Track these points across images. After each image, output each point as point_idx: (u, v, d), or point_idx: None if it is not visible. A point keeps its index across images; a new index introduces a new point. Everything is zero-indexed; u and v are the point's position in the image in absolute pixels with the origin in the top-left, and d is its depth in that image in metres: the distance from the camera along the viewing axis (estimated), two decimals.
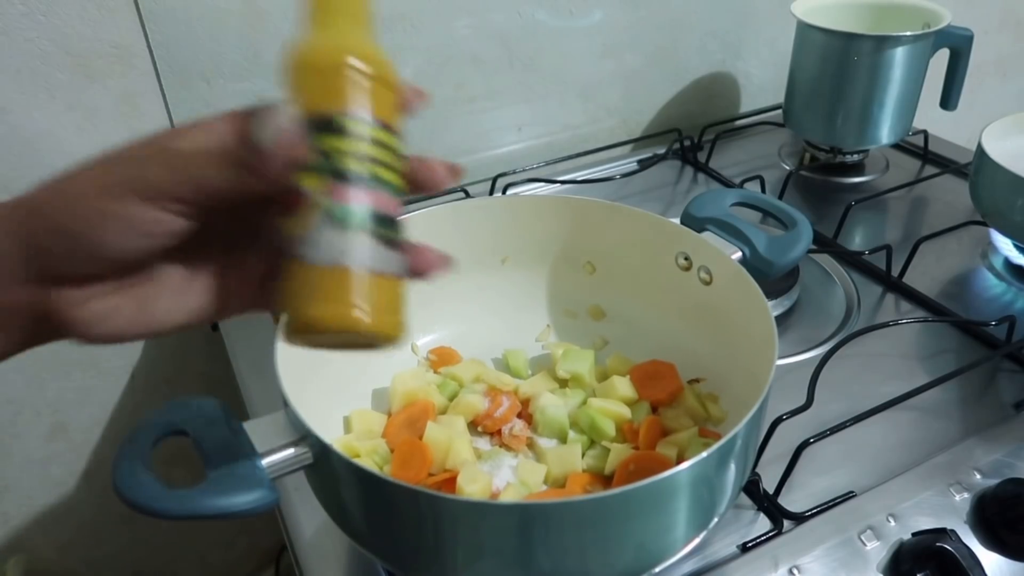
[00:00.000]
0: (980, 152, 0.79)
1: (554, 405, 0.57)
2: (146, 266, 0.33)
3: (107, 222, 0.30)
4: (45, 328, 0.33)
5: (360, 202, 0.32)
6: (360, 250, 0.32)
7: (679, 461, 0.49)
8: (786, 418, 0.57)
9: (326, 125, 0.32)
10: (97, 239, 0.31)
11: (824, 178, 1.00)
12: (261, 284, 0.36)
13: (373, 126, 0.33)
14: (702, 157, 1.02)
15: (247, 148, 0.30)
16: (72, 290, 0.32)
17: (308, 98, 0.32)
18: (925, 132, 1.02)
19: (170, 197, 0.31)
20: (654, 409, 0.59)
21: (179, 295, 0.34)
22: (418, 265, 0.35)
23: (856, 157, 1.00)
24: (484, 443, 0.57)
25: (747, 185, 0.91)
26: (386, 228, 0.33)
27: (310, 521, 0.56)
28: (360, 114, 0.32)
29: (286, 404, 0.43)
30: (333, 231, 0.32)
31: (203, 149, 0.30)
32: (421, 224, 0.60)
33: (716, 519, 0.46)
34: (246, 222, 0.35)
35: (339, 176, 0.32)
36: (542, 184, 0.94)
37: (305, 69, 0.33)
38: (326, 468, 0.43)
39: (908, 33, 0.89)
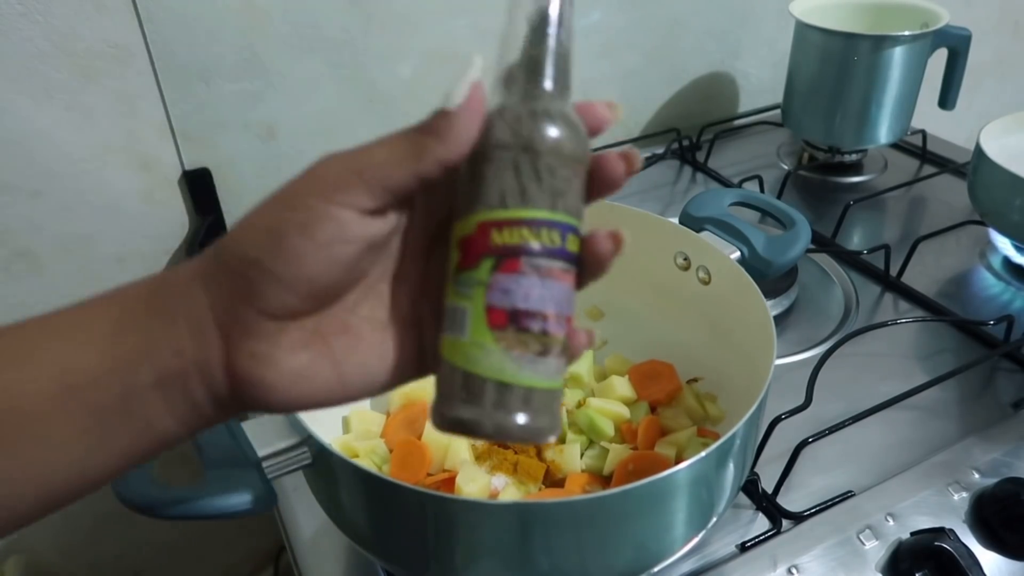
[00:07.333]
0: (978, 151, 0.79)
1: None
2: (341, 294, 0.30)
3: (315, 223, 0.27)
4: (222, 396, 0.29)
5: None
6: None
7: (678, 461, 0.49)
8: (785, 417, 0.57)
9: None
10: (296, 252, 0.27)
11: (822, 178, 1.00)
12: None
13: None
14: (701, 157, 1.02)
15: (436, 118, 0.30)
16: (259, 342, 0.28)
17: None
18: (923, 132, 1.02)
19: (387, 183, 0.28)
20: (653, 409, 0.59)
21: (374, 347, 0.31)
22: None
23: (854, 157, 1.00)
24: (482, 443, 0.57)
25: (745, 185, 0.91)
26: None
27: (309, 521, 0.56)
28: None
29: None
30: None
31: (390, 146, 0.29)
32: None
33: (715, 519, 0.46)
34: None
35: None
36: None
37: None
38: (325, 468, 0.43)
39: (906, 33, 0.89)
